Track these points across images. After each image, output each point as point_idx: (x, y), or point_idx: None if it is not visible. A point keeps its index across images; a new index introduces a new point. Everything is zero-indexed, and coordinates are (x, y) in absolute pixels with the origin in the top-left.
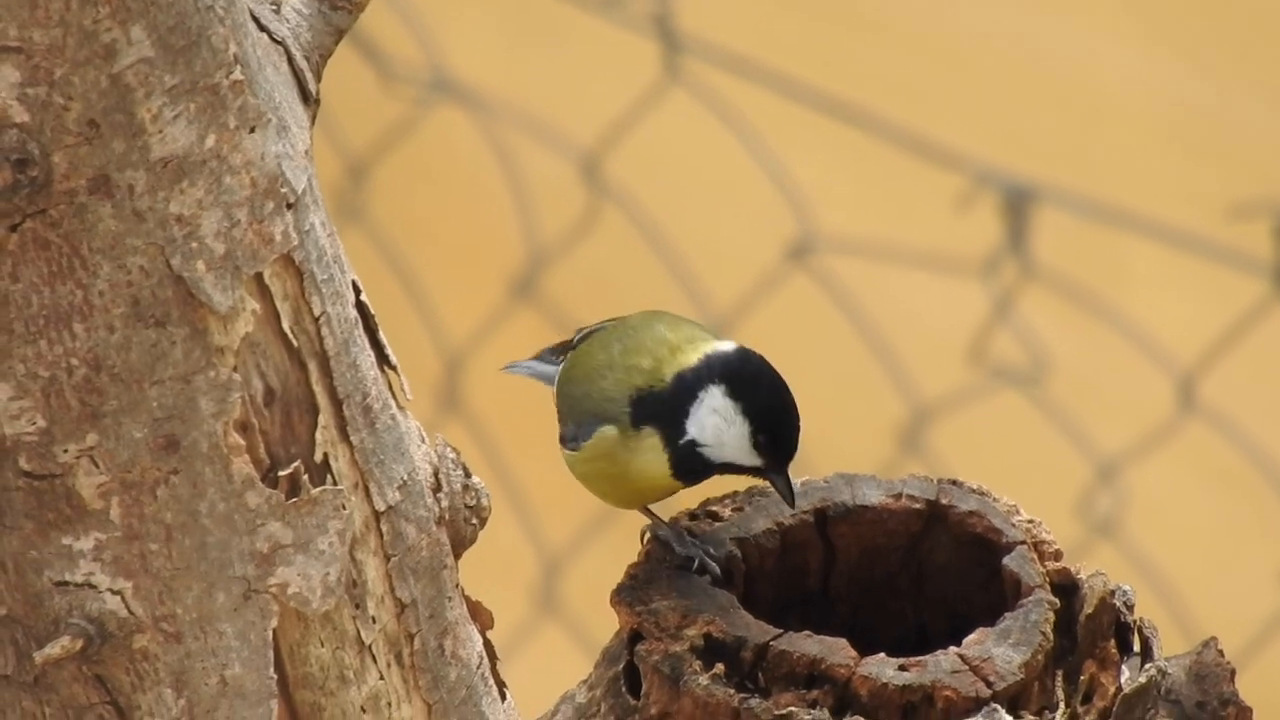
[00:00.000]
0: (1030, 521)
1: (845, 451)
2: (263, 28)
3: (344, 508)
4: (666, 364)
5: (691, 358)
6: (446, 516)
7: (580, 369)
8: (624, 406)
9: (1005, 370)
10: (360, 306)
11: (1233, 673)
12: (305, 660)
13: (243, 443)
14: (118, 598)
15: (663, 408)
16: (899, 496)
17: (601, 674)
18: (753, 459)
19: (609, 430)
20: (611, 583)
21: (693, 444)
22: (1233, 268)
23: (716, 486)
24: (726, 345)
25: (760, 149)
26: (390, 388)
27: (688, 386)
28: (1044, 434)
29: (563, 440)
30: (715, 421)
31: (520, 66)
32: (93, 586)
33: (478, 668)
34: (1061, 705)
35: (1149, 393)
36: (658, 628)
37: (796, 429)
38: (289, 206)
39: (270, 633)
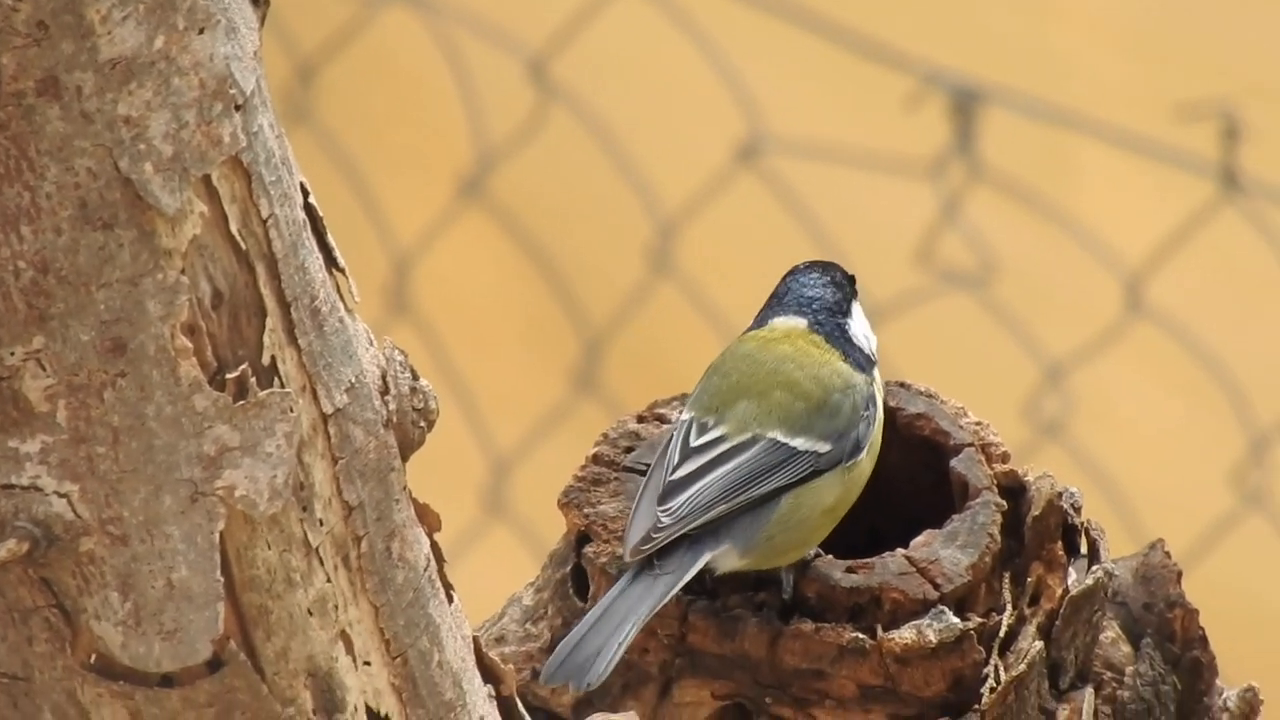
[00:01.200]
0: (978, 424)
1: None
2: None
3: (291, 410)
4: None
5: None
6: (394, 419)
7: (775, 415)
8: (856, 390)
9: (953, 272)
10: (308, 208)
11: (1179, 575)
12: (252, 563)
13: (190, 345)
14: (64, 500)
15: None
16: None
17: (549, 576)
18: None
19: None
20: (559, 486)
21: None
22: (1181, 169)
23: (664, 389)
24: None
25: (709, 50)
26: (338, 290)
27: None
28: (992, 336)
29: (835, 464)
30: (860, 327)
31: None
32: (39, 489)
33: (425, 570)
34: (1009, 607)
35: (1097, 294)
36: (605, 530)
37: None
38: (237, 108)
39: (217, 535)
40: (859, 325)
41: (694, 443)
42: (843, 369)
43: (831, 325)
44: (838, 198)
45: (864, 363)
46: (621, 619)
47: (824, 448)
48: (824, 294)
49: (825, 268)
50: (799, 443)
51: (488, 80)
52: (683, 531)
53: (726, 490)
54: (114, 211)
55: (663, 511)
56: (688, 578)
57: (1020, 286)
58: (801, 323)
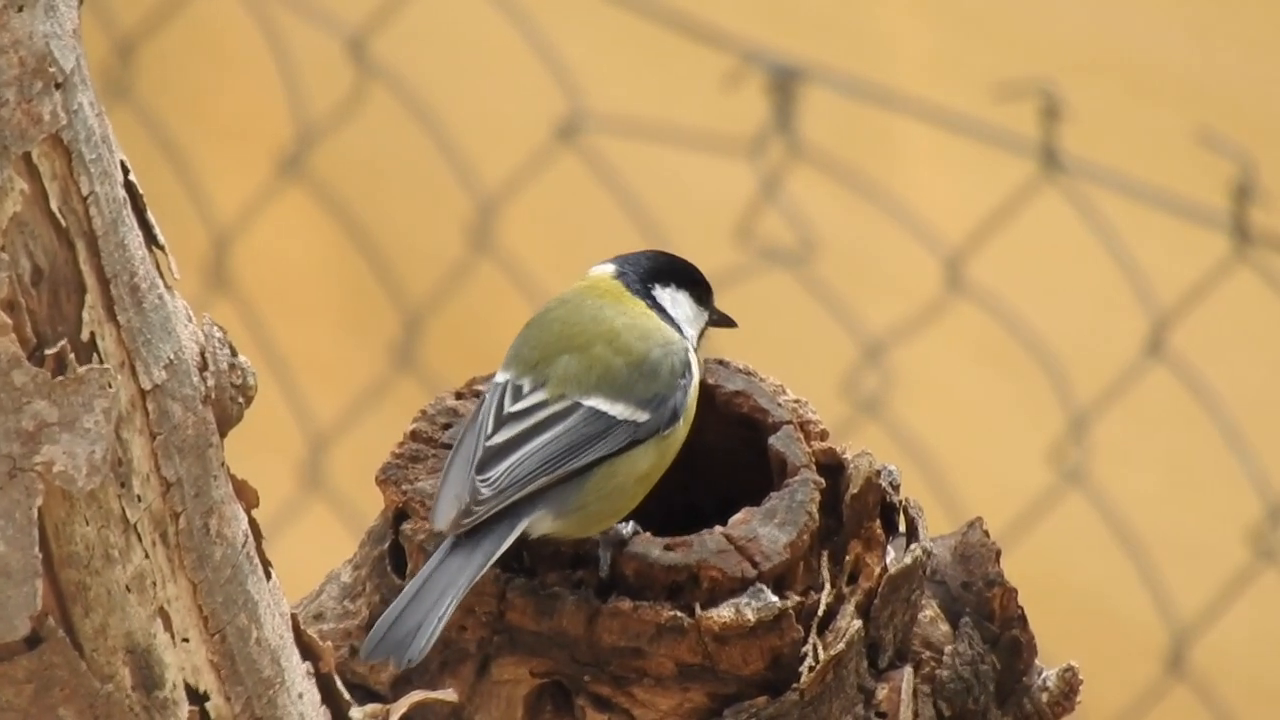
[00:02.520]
0: (796, 401)
1: None
2: None
3: (110, 386)
4: (631, 308)
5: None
6: (213, 395)
7: (595, 374)
8: (675, 350)
9: (773, 249)
10: (128, 186)
11: (998, 553)
12: (70, 539)
13: (9, 321)
14: None
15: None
16: None
17: (367, 553)
18: (701, 317)
19: (693, 375)
20: (378, 462)
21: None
22: (1001, 148)
23: (483, 365)
24: (608, 267)
25: (529, 28)
26: (158, 267)
27: (660, 305)
28: (811, 313)
29: (653, 433)
30: (681, 311)
31: None
32: None
33: (243, 546)
34: (827, 585)
35: (916, 272)
36: (423, 507)
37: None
38: (57, 86)
39: (35, 511)
40: (674, 304)
41: (511, 408)
42: (659, 324)
43: (635, 279)
44: (657, 175)
45: (672, 324)
46: (440, 593)
47: (643, 416)
48: (643, 259)
49: (684, 262)
50: (618, 411)
51: (307, 57)
52: (505, 504)
53: (546, 461)
54: None
55: (482, 481)
56: (505, 546)
57: (840, 264)
58: (610, 269)
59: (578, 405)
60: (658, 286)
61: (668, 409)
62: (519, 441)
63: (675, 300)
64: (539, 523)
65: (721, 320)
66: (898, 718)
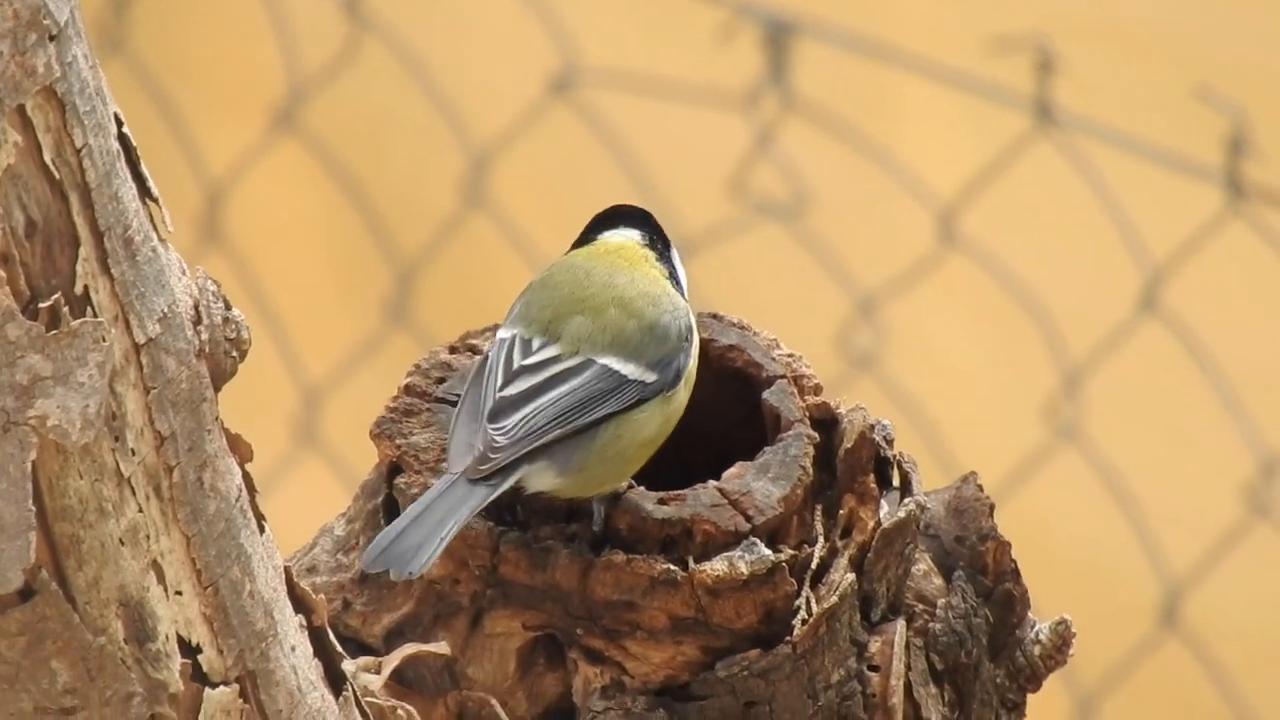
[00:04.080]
0: (790, 355)
1: None
2: None
3: (104, 340)
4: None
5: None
6: (206, 349)
7: (609, 335)
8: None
9: (766, 204)
10: (122, 139)
11: (991, 507)
12: (64, 493)
13: (3, 274)
14: None
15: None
16: None
17: (360, 507)
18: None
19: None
20: (371, 416)
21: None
22: (995, 103)
23: (476, 320)
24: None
25: None
26: (152, 220)
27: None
28: (805, 268)
29: (658, 394)
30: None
31: None
32: None
33: (236, 500)
34: (821, 539)
35: (910, 227)
36: (417, 461)
37: None
38: (51, 39)
39: (29, 465)
40: (679, 267)
41: (522, 361)
42: (667, 289)
43: (662, 245)
44: (651, 130)
45: (678, 286)
46: (444, 516)
47: (650, 377)
48: (653, 223)
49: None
50: (629, 370)
51: (301, 11)
52: (520, 454)
53: (561, 414)
54: None
55: (496, 430)
56: (506, 487)
57: (833, 219)
58: (635, 235)
59: (591, 362)
60: (672, 253)
61: (672, 370)
62: (532, 394)
63: (678, 264)
64: (539, 477)
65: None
66: (890, 671)
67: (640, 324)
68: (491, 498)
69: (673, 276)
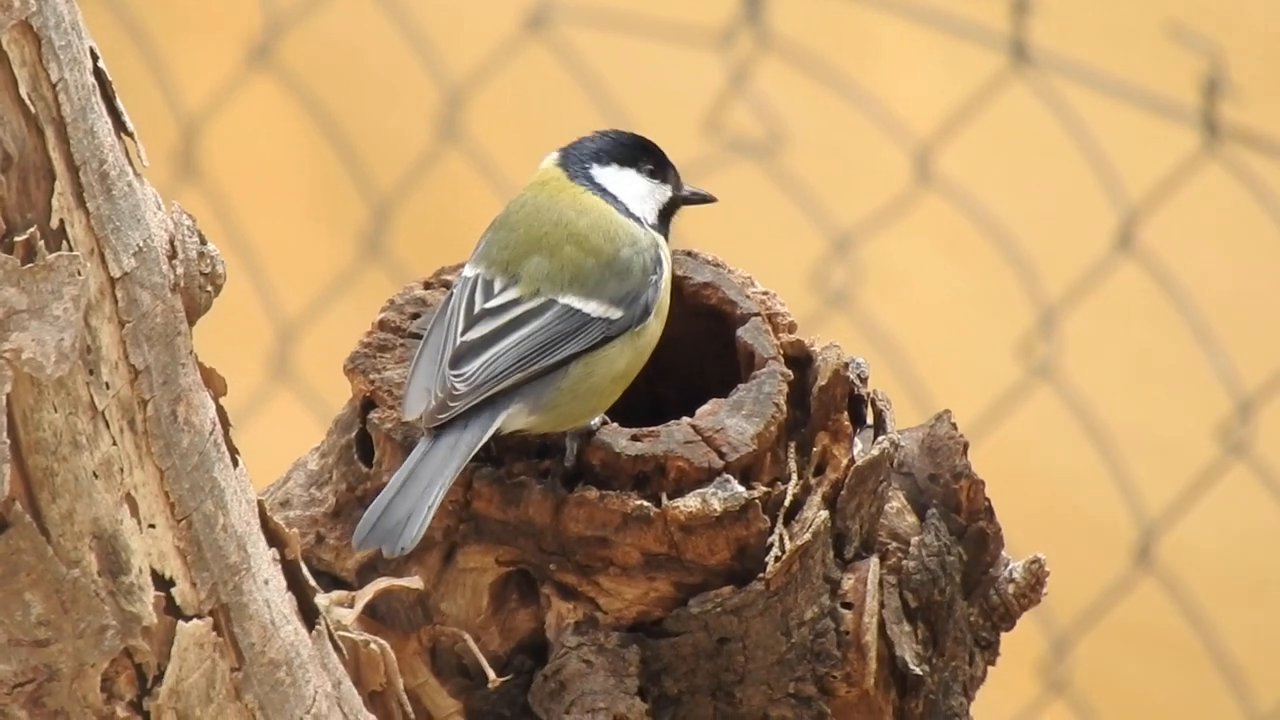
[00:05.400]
0: (765, 293)
1: None
2: None
3: (79, 274)
4: (585, 201)
5: (572, 186)
6: (181, 283)
7: (567, 274)
8: (644, 248)
9: (741, 141)
10: (98, 73)
11: (965, 446)
12: (38, 425)
13: None
14: None
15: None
16: None
17: (334, 441)
18: (659, 192)
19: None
20: (346, 351)
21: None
22: (970, 41)
23: (451, 256)
24: (553, 155)
25: None
26: (127, 155)
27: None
28: (780, 206)
29: (625, 330)
30: (629, 190)
31: None
32: None
33: (210, 434)
34: (794, 476)
35: (885, 165)
36: (390, 396)
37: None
38: None
39: (4, 398)
40: (618, 183)
41: (484, 304)
42: (621, 221)
43: (576, 164)
44: (626, 67)
45: (629, 213)
46: (429, 482)
47: (615, 314)
48: (586, 142)
49: (631, 137)
50: (592, 308)
51: None
52: (478, 400)
53: (521, 358)
54: None
55: (456, 377)
56: (487, 436)
57: (808, 157)
58: (554, 157)
59: (552, 303)
60: (596, 167)
61: (639, 305)
62: (493, 339)
63: (619, 180)
64: (513, 418)
65: (694, 197)
66: (863, 608)
67: (599, 260)
68: (473, 453)
69: (602, 191)
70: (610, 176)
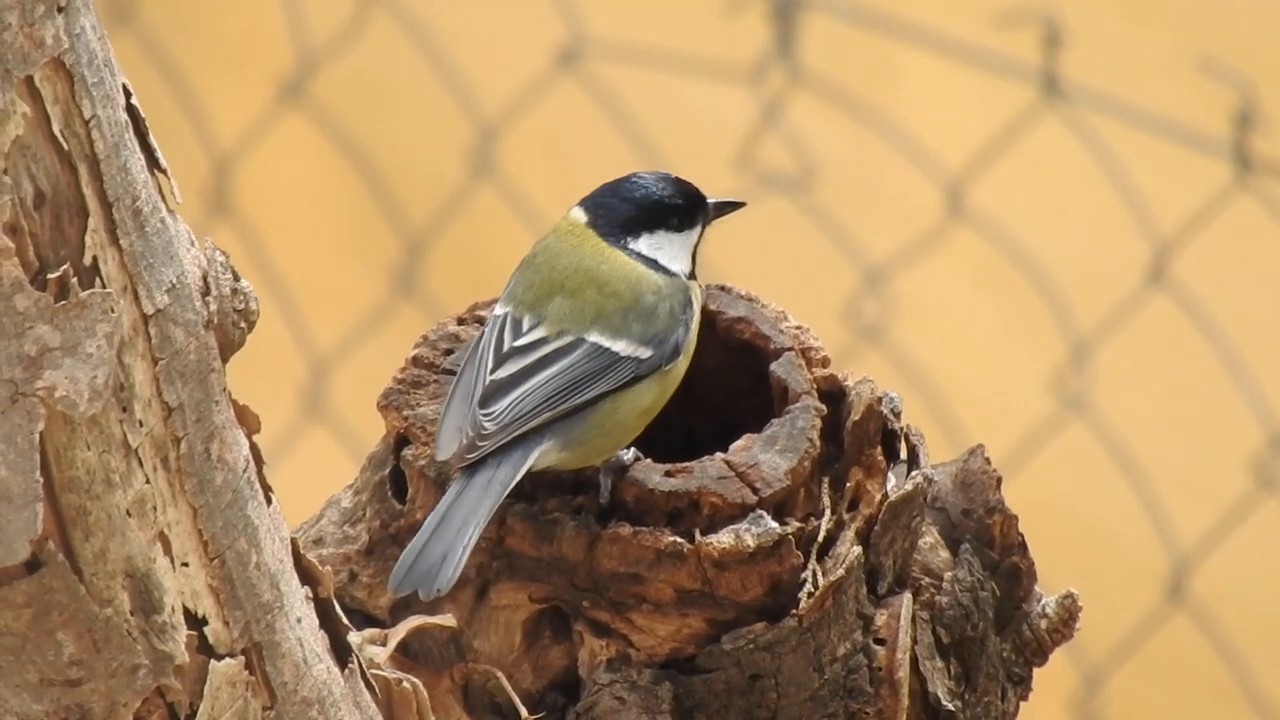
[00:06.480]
0: (798, 328)
1: None
2: None
3: (112, 311)
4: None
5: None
6: (215, 320)
7: (589, 314)
8: (669, 294)
9: (774, 176)
10: (131, 110)
11: (998, 480)
12: (71, 464)
13: (12, 245)
14: None
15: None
16: None
17: (368, 478)
18: (692, 236)
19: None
20: (379, 388)
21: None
22: (1002, 75)
23: (484, 291)
24: (580, 215)
25: None
26: (160, 191)
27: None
28: (812, 240)
29: (655, 369)
30: (665, 252)
31: None
32: None
33: (244, 471)
34: (828, 512)
35: (917, 199)
36: (424, 433)
37: (680, 180)
38: (60, 10)
39: (37, 436)
40: (655, 249)
41: (513, 343)
42: (644, 271)
43: (608, 231)
44: (658, 102)
45: (658, 267)
46: (462, 522)
47: (645, 353)
48: (613, 207)
49: (664, 181)
50: (620, 347)
51: None
52: (508, 439)
53: (550, 396)
54: None
55: (485, 416)
56: (520, 475)
57: (841, 191)
58: (582, 217)
59: (580, 341)
60: (630, 240)
61: (669, 345)
62: (521, 378)
63: (655, 245)
64: (545, 455)
65: (724, 208)
66: (896, 644)
67: (620, 304)
68: (506, 493)
69: (639, 258)
70: (644, 246)
